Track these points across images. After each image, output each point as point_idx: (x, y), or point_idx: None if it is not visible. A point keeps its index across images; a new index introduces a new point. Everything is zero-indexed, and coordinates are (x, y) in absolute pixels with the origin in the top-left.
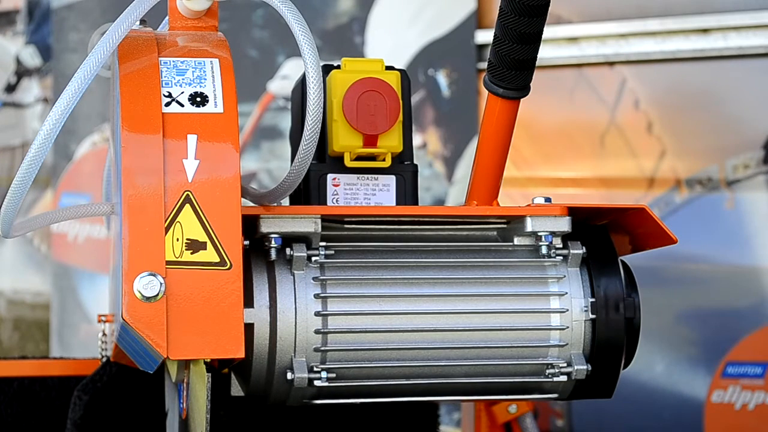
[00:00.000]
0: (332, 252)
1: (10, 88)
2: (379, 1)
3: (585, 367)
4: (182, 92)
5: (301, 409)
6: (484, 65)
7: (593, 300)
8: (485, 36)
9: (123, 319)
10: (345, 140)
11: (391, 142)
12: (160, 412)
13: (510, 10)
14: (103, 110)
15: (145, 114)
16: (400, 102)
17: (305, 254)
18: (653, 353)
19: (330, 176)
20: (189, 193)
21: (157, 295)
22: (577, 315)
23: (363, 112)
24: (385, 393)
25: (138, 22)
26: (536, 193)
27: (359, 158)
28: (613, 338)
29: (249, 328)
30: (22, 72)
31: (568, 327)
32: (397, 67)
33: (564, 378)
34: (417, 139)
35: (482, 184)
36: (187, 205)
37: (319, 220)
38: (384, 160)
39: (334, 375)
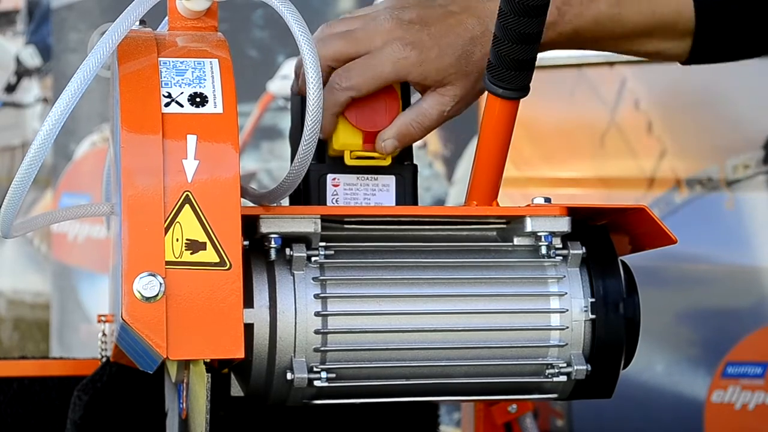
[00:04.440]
0: (332, 252)
1: (10, 88)
2: (379, 2)
3: (585, 367)
4: (182, 92)
5: (301, 409)
6: None
7: (593, 300)
8: None
9: (123, 320)
10: (345, 138)
11: None
12: (160, 412)
13: (510, 10)
14: (103, 110)
15: (145, 114)
16: (400, 100)
17: (305, 254)
18: (653, 353)
19: (330, 176)
20: (189, 193)
21: (157, 295)
22: (577, 315)
23: (362, 110)
24: (385, 393)
25: (138, 23)
26: (536, 193)
27: (359, 157)
28: (613, 338)
29: (249, 328)
30: (22, 72)
31: (567, 327)
32: None
33: (564, 378)
34: None
35: (482, 184)
36: (187, 206)
37: (318, 221)
38: (384, 158)
39: (334, 375)
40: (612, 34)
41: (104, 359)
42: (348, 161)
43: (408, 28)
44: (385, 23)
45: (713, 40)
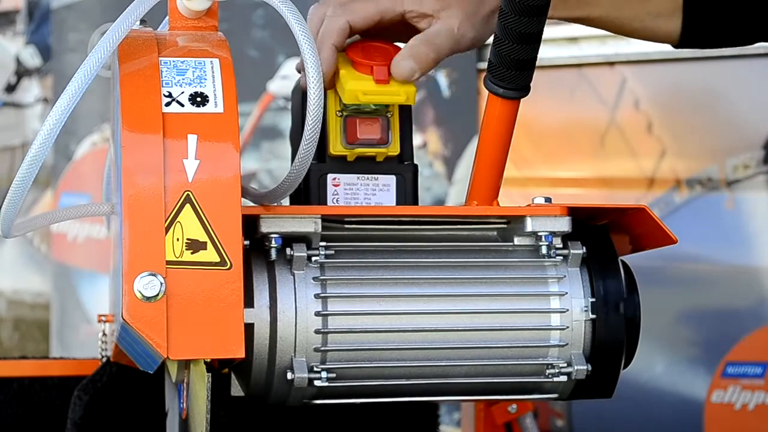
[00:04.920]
0: (332, 252)
1: (10, 88)
2: None
3: (585, 367)
4: (182, 92)
5: (301, 409)
6: (484, 65)
7: (593, 300)
8: None
9: (123, 319)
10: (353, 83)
11: (406, 88)
12: (160, 412)
13: (510, 10)
14: (103, 110)
15: (145, 114)
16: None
17: (305, 254)
18: (653, 353)
19: (330, 176)
20: (189, 193)
21: (157, 295)
22: (577, 315)
23: (366, 49)
24: (385, 393)
25: (138, 22)
26: (536, 193)
27: (372, 94)
28: (613, 338)
29: (249, 328)
30: (22, 72)
31: (568, 327)
32: None
33: (564, 378)
34: (417, 139)
35: (482, 184)
36: (188, 205)
37: (319, 220)
38: (399, 95)
39: (334, 375)
40: None
41: (104, 359)
42: (362, 99)
43: None
44: None
45: (702, 17)
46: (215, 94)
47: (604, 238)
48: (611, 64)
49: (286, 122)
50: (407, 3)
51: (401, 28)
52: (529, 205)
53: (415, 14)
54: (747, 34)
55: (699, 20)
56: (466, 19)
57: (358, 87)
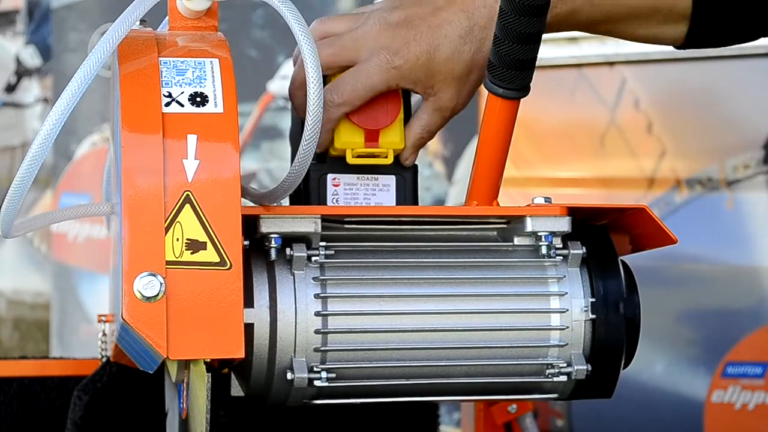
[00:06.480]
0: (332, 252)
1: (10, 88)
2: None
3: (585, 367)
4: (182, 92)
5: (301, 409)
6: None
7: (593, 300)
8: None
9: (123, 319)
10: (346, 137)
11: (392, 138)
12: (160, 412)
13: (510, 10)
14: (103, 110)
15: (145, 114)
16: (401, 97)
17: (305, 254)
18: (653, 353)
19: (330, 176)
20: (189, 193)
21: (157, 295)
22: (577, 315)
23: (363, 109)
24: (385, 393)
25: (138, 22)
26: (536, 193)
27: (360, 156)
28: (613, 338)
29: (249, 328)
30: (22, 72)
31: (568, 327)
32: None
33: (564, 378)
34: None
35: (482, 184)
36: (187, 205)
37: (319, 220)
38: (386, 157)
39: (334, 375)
40: (608, 16)
41: (104, 359)
42: (350, 160)
43: (395, 34)
44: (373, 28)
45: (709, 23)
46: (215, 94)
47: (604, 238)
48: (611, 64)
49: (286, 122)
50: (402, 83)
51: None
52: (529, 205)
53: (409, 90)
54: (749, 31)
55: (705, 24)
56: (458, 97)
57: (350, 143)
